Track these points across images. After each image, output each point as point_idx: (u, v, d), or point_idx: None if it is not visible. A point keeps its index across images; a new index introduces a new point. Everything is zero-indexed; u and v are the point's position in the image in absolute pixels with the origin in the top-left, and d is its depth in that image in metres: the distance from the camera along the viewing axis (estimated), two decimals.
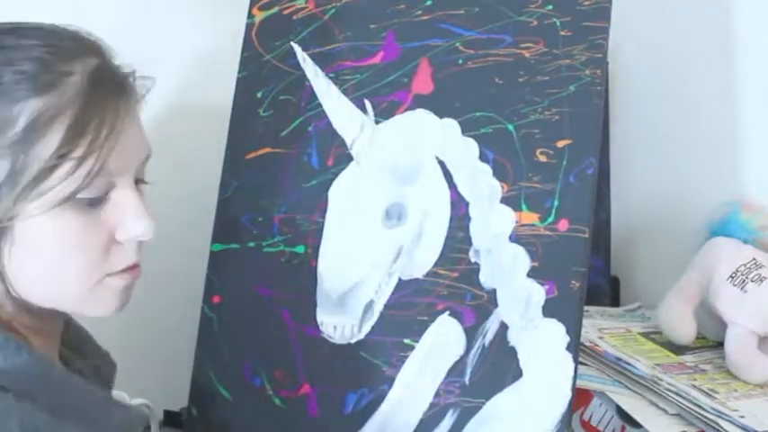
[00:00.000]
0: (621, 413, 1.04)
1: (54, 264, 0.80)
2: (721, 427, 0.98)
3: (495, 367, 0.97)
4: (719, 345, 1.17)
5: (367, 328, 1.03)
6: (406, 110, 1.06)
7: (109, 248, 0.83)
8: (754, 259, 1.16)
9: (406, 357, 1.00)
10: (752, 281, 1.14)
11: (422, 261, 1.02)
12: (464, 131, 1.02)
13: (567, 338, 0.94)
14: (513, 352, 0.96)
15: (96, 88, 0.80)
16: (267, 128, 1.12)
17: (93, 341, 0.99)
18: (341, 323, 1.04)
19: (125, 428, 0.87)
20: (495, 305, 0.98)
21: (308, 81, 1.11)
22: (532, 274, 0.97)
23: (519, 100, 1.01)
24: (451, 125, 1.03)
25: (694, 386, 1.06)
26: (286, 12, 1.14)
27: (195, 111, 1.32)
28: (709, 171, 1.32)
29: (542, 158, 0.99)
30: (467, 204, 1.01)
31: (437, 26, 1.06)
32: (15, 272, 0.80)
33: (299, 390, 1.05)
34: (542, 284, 0.96)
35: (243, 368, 1.08)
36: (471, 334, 0.98)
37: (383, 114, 1.07)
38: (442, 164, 1.03)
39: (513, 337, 0.96)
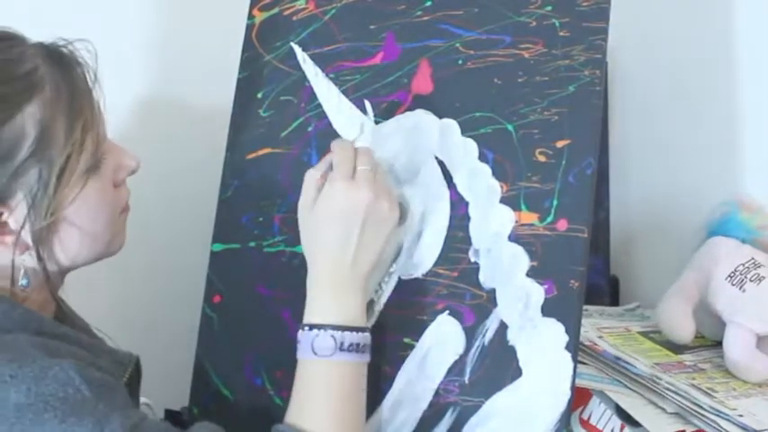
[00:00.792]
0: (620, 412, 1.04)
1: (93, 228, 0.93)
2: (720, 426, 0.98)
3: (494, 366, 0.97)
4: (718, 344, 1.17)
5: None
6: (406, 110, 1.06)
7: (114, 194, 0.95)
8: (752, 259, 1.16)
9: (406, 356, 1.01)
10: (750, 280, 1.15)
11: (422, 260, 1.03)
12: (464, 131, 1.03)
13: (567, 338, 0.94)
14: (512, 351, 0.96)
15: (63, 71, 0.89)
16: (267, 128, 1.13)
17: (88, 327, 1.04)
18: None
19: (114, 367, 0.92)
20: (495, 304, 0.98)
21: (309, 81, 1.11)
22: (532, 273, 0.97)
23: (518, 100, 1.01)
24: (451, 125, 1.03)
25: (693, 385, 1.06)
26: (286, 12, 1.14)
27: (196, 111, 1.33)
28: (708, 171, 1.32)
29: (541, 158, 0.99)
30: (466, 204, 1.01)
31: (437, 27, 1.07)
32: (63, 252, 0.91)
33: None
34: (541, 284, 0.96)
35: (243, 368, 1.08)
36: (471, 333, 0.99)
37: (383, 114, 1.07)
38: (441, 164, 1.03)
39: (513, 337, 0.97)
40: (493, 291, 0.99)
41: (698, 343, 1.21)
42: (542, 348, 0.95)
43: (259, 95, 1.14)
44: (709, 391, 1.05)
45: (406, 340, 1.01)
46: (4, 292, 0.89)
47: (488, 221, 1.00)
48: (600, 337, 1.16)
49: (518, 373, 0.96)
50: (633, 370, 1.07)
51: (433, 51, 1.06)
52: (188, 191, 1.25)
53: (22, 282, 0.89)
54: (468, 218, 1.01)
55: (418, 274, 1.02)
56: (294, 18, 1.14)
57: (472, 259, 1.00)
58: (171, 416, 1.14)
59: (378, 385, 1.01)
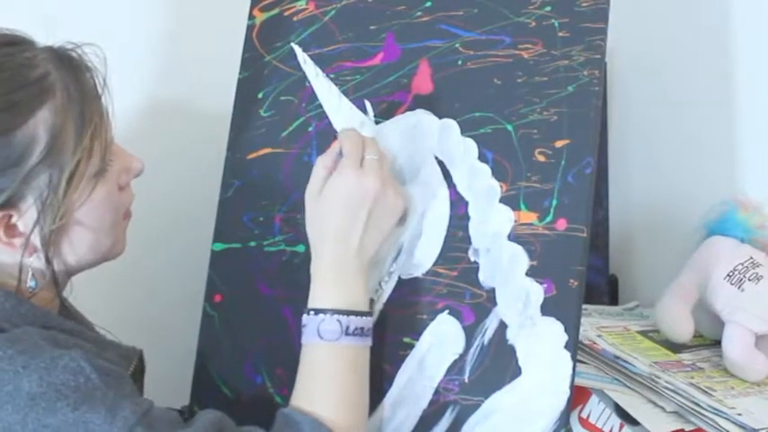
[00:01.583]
0: (620, 411, 1.04)
1: (99, 231, 0.94)
2: (719, 425, 0.98)
3: (494, 365, 0.97)
4: (717, 343, 1.17)
5: None
6: (406, 110, 1.07)
7: (119, 197, 0.96)
8: (751, 258, 1.17)
9: (406, 355, 1.01)
10: (749, 279, 1.15)
11: (421, 260, 1.03)
12: (463, 131, 1.03)
13: (566, 337, 0.94)
14: (511, 350, 0.97)
15: (73, 76, 0.90)
16: (268, 128, 1.13)
17: (91, 324, 1.05)
18: None
19: (119, 360, 0.94)
20: (495, 304, 0.98)
21: (309, 82, 1.11)
22: (531, 272, 0.97)
23: (518, 100, 1.01)
24: (451, 125, 1.04)
25: (692, 384, 1.06)
26: (287, 13, 1.14)
27: (197, 111, 1.33)
28: (707, 170, 1.33)
29: (541, 158, 0.99)
30: (466, 204, 1.02)
31: (437, 27, 1.07)
32: (69, 255, 0.92)
33: None
34: (541, 283, 0.96)
35: (244, 366, 1.08)
36: (470, 332, 0.99)
37: (383, 114, 1.07)
38: (441, 164, 1.04)
39: (512, 336, 0.97)
40: (492, 290, 0.99)
41: (696, 342, 1.21)
42: (542, 347, 0.95)
43: (260, 95, 1.14)
44: (707, 390, 1.05)
45: (406, 339, 1.01)
46: (11, 288, 0.90)
47: (488, 221, 1.00)
48: (599, 336, 1.16)
49: (517, 371, 0.96)
50: (632, 369, 1.07)
51: (433, 52, 1.07)
52: (189, 190, 1.25)
53: (31, 284, 0.90)
54: (467, 217, 1.01)
55: (418, 273, 1.03)
56: (295, 18, 1.14)
57: (472, 259, 1.01)
58: None
59: (378, 384, 1.02)
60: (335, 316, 0.93)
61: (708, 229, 1.23)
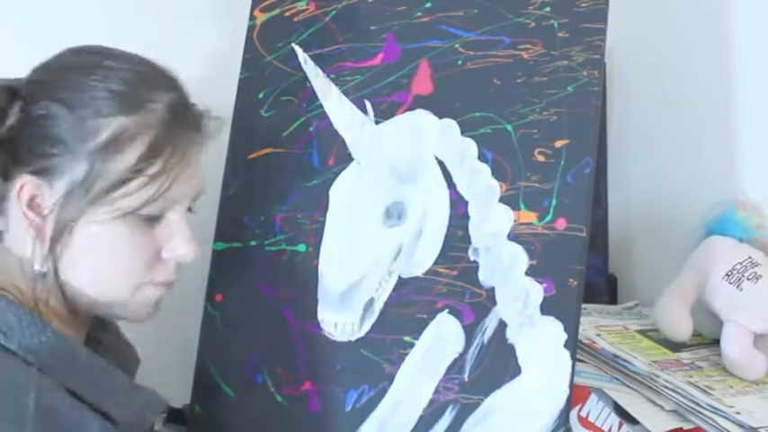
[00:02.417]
0: (619, 410, 1.04)
1: (103, 267, 0.90)
2: (717, 424, 0.98)
3: (493, 364, 0.97)
4: (716, 342, 1.18)
5: (367, 326, 1.04)
6: (406, 110, 1.07)
7: (153, 263, 0.92)
8: (749, 257, 1.17)
9: (406, 355, 1.01)
10: (748, 279, 1.15)
11: (421, 259, 1.03)
12: (463, 131, 1.03)
13: (565, 336, 0.94)
14: (511, 349, 0.97)
15: (175, 119, 0.90)
16: (269, 128, 1.13)
17: (123, 335, 1.04)
18: (342, 321, 1.05)
19: (145, 412, 0.91)
20: (494, 303, 0.99)
21: (309, 82, 1.12)
22: (531, 272, 0.97)
23: (517, 100, 1.01)
24: (451, 125, 1.04)
25: (691, 383, 1.07)
26: (287, 13, 1.15)
27: None
28: (706, 170, 1.33)
29: (540, 158, 0.99)
30: (466, 203, 1.02)
31: (437, 27, 1.07)
32: (70, 268, 0.89)
33: (300, 386, 1.06)
34: (540, 282, 0.97)
35: (245, 365, 1.09)
36: (470, 331, 0.99)
37: (383, 115, 1.08)
38: (441, 163, 1.04)
39: (512, 335, 0.97)
40: (492, 289, 0.99)
41: (695, 341, 1.21)
42: (541, 346, 0.95)
43: (260, 96, 1.14)
44: (706, 389, 1.06)
45: (406, 338, 1.01)
46: (31, 304, 0.87)
47: (488, 221, 1.00)
48: (598, 336, 1.17)
49: (517, 370, 0.96)
50: (631, 368, 1.07)
51: (433, 52, 1.07)
52: None
53: (37, 267, 0.87)
54: (467, 217, 1.02)
55: (418, 272, 1.03)
56: (295, 19, 1.14)
57: (471, 258, 1.01)
58: (173, 413, 1.15)
59: (378, 383, 1.02)
60: None
61: (707, 229, 1.23)
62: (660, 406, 1.03)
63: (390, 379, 1.02)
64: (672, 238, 1.33)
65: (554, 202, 0.98)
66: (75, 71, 0.89)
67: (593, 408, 1.06)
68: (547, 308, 0.96)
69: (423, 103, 1.06)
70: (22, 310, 0.85)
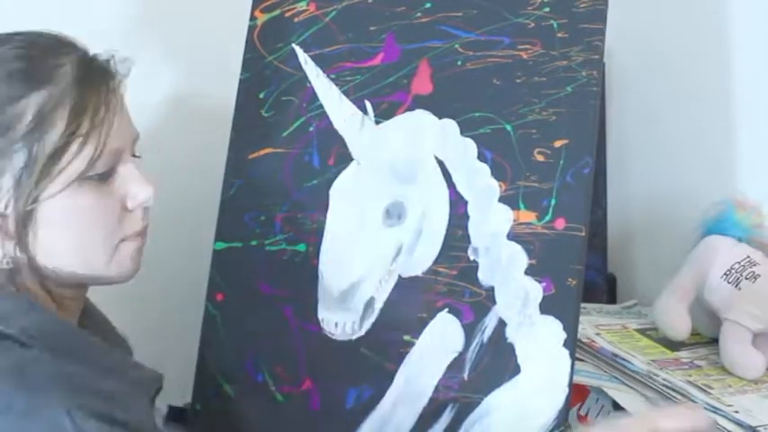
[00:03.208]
0: (618, 408, 1.04)
1: (78, 237, 0.89)
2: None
3: (493, 363, 0.98)
4: (714, 341, 1.18)
5: (367, 325, 1.05)
6: (406, 110, 1.07)
7: (121, 217, 0.92)
8: (748, 257, 1.17)
9: (406, 353, 1.02)
10: (746, 278, 1.15)
11: (421, 259, 1.03)
12: (463, 131, 1.03)
13: (564, 335, 0.95)
14: (511, 348, 0.97)
15: (87, 75, 0.89)
16: (269, 128, 1.13)
17: (113, 326, 1.04)
18: (342, 320, 1.06)
19: (140, 386, 0.91)
20: (494, 302, 0.99)
21: (310, 82, 1.12)
22: (530, 271, 0.98)
23: (517, 100, 1.02)
24: (450, 125, 1.04)
25: (689, 382, 1.07)
26: (288, 14, 1.15)
27: (199, 112, 1.33)
28: (704, 170, 1.33)
29: (540, 158, 1.00)
30: (465, 203, 1.02)
31: (436, 28, 1.07)
32: (45, 250, 0.88)
33: (300, 385, 1.06)
34: (540, 282, 0.97)
35: (246, 364, 1.09)
36: (470, 331, 1.00)
37: (383, 115, 1.08)
38: (441, 163, 1.04)
39: (511, 334, 0.98)
40: (492, 289, 0.99)
41: (694, 340, 1.22)
42: (540, 345, 0.96)
43: (261, 96, 1.14)
44: (705, 388, 1.06)
45: (406, 338, 1.01)
46: (15, 285, 0.88)
47: (487, 220, 1.01)
48: (597, 335, 1.17)
49: (517, 369, 0.97)
50: (630, 367, 1.08)
51: (433, 52, 1.07)
52: (191, 190, 1.25)
53: (3, 262, 0.88)
54: (467, 217, 1.02)
55: (418, 272, 1.03)
56: (295, 20, 1.14)
57: (471, 257, 1.01)
58: (174, 412, 1.15)
59: (378, 382, 1.02)
60: None
61: (705, 229, 1.23)
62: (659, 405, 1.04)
63: (390, 378, 1.02)
64: (671, 238, 1.33)
65: (553, 201, 0.98)
66: None
67: (593, 406, 1.07)
68: (546, 307, 0.96)
69: (422, 104, 1.06)
70: (17, 296, 0.87)
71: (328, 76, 1.11)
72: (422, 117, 1.06)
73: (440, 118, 1.05)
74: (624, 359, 1.09)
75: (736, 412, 1.01)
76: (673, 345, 1.19)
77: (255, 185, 1.13)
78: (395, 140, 1.07)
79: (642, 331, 1.22)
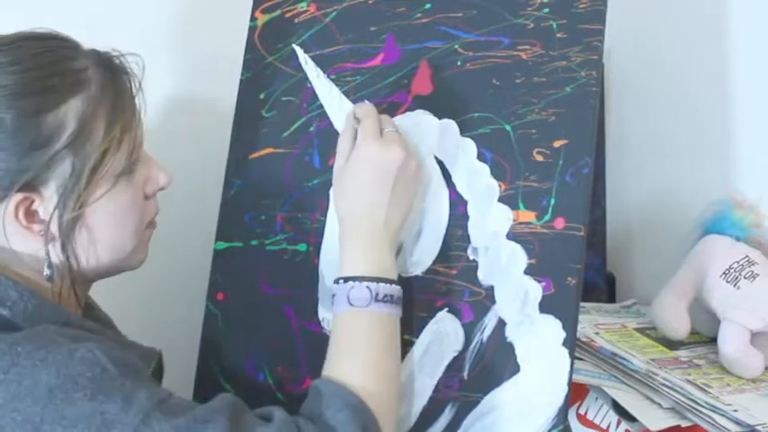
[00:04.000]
0: (617, 407, 1.05)
1: (118, 232, 0.94)
2: (715, 421, 0.99)
3: (493, 362, 0.98)
4: (713, 340, 1.18)
5: None
6: (406, 110, 1.07)
7: (144, 204, 0.98)
8: (746, 256, 1.17)
9: (406, 353, 1.01)
10: (744, 278, 1.15)
11: (421, 258, 1.04)
12: (462, 132, 1.04)
13: (564, 334, 0.95)
14: (510, 347, 0.97)
15: (111, 75, 0.92)
16: (270, 128, 1.13)
17: (115, 326, 1.06)
18: None
19: (140, 363, 0.92)
20: (493, 302, 0.99)
21: (310, 82, 1.12)
22: (529, 271, 0.98)
23: (516, 101, 1.02)
24: (450, 125, 1.04)
25: (688, 381, 1.07)
26: (288, 15, 1.15)
27: (200, 112, 1.33)
28: (703, 170, 1.33)
29: (539, 158, 1.00)
30: (465, 203, 1.03)
31: (436, 28, 1.08)
32: (86, 250, 0.92)
33: (301, 384, 1.06)
34: (539, 281, 0.97)
35: (246, 363, 1.09)
36: (470, 330, 1.00)
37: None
38: (440, 163, 1.04)
39: (511, 333, 0.98)
40: (491, 288, 1.00)
41: (693, 339, 1.22)
42: (540, 344, 0.96)
43: (261, 96, 1.15)
44: (703, 387, 1.06)
45: (406, 337, 1.01)
46: (33, 286, 0.90)
47: (487, 220, 1.01)
48: (597, 334, 1.17)
49: (516, 368, 0.97)
50: (629, 366, 1.08)
51: (433, 53, 1.07)
52: (192, 190, 1.25)
53: (47, 272, 0.90)
54: (466, 216, 1.02)
55: (418, 271, 1.04)
56: (296, 20, 1.14)
57: (471, 257, 1.01)
58: None
59: None
60: (365, 283, 0.93)
61: (704, 228, 1.24)
62: (658, 403, 1.04)
63: None
64: (669, 238, 1.33)
65: (552, 201, 0.98)
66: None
67: (592, 405, 1.07)
68: (545, 306, 0.96)
69: (422, 104, 1.06)
70: (21, 287, 0.88)
71: (329, 77, 1.11)
72: (422, 117, 1.06)
73: (440, 118, 1.05)
74: (623, 358, 1.09)
75: (735, 411, 1.01)
76: (672, 344, 1.19)
77: (256, 185, 1.13)
78: None
79: (641, 330, 1.23)
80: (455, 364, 1.00)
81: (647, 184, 1.44)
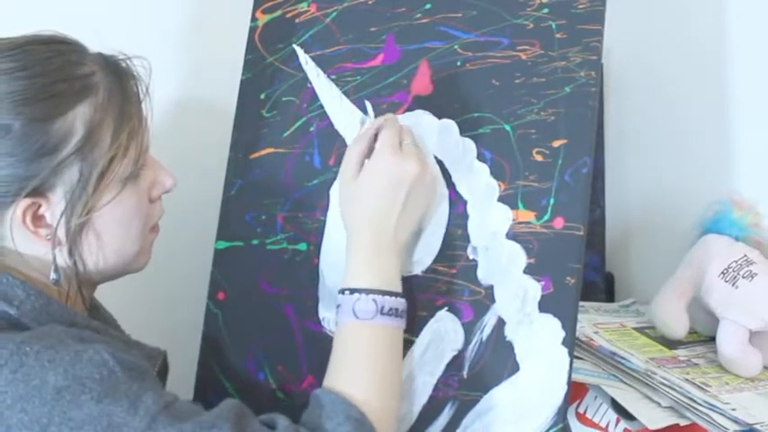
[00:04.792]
0: (616, 406, 1.05)
1: (125, 235, 0.95)
2: (713, 420, 0.99)
3: (492, 361, 0.98)
4: (711, 339, 1.19)
5: None
6: (406, 111, 1.07)
7: (149, 207, 0.98)
8: (745, 256, 1.17)
9: (406, 352, 1.01)
10: (743, 277, 1.16)
11: (421, 258, 1.04)
12: (462, 132, 1.04)
13: (563, 333, 0.95)
14: (510, 346, 0.98)
15: (118, 79, 0.92)
16: (270, 128, 1.14)
17: (119, 326, 1.07)
18: None
19: (145, 362, 0.92)
20: (493, 301, 0.99)
21: (310, 83, 1.12)
22: (529, 270, 0.98)
23: (516, 101, 1.02)
24: (450, 125, 1.05)
25: (687, 380, 1.07)
26: (288, 15, 1.15)
27: (200, 112, 1.34)
28: (702, 170, 1.33)
29: (538, 158, 1.00)
30: (465, 203, 1.03)
31: (436, 29, 1.08)
32: (93, 254, 0.93)
33: (301, 384, 1.06)
34: (538, 280, 0.97)
35: (247, 363, 1.10)
36: (469, 329, 1.00)
37: (383, 115, 1.08)
38: (440, 163, 1.05)
39: (510, 332, 0.98)
40: (491, 287, 1.00)
41: (692, 338, 1.22)
42: (539, 344, 0.96)
43: (262, 96, 1.15)
44: (702, 386, 1.06)
45: (406, 336, 1.01)
46: (41, 286, 0.90)
47: (486, 219, 1.01)
48: (596, 333, 1.17)
49: (516, 367, 0.97)
50: (628, 365, 1.08)
51: (433, 53, 1.08)
52: (192, 189, 1.25)
53: (53, 276, 0.91)
54: (466, 216, 1.02)
55: (417, 271, 1.04)
56: (296, 20, 1.15)
57: (470, 256, 1.02)
58: None
59: None
60: (371, 296, 0.93)
61: (703, 228, 1.24)
62: (657, 402, 1.04)
63: None
64: (668, 237, 1.34)
65: (552, 201, 0.99)
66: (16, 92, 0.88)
67: (591, 404, 1.07)
68: (545, 305, 0.97)
69: (422, 104, 1.07)
70: (28, 286, 0.88)
71: (329, 77, 1.11)
72: (421, 117, 1.06)
73: (439, 118, 1.05)
74: (622, 357, 1.09)
75: (734, 410, 1.02)
76: (671, 343, 1.19)
77: (257, 185, 1.13)
78: None
79: (640, 329, 1.23)
80: (455, 363, 1.00)
81: (646, 184, 1.43)
